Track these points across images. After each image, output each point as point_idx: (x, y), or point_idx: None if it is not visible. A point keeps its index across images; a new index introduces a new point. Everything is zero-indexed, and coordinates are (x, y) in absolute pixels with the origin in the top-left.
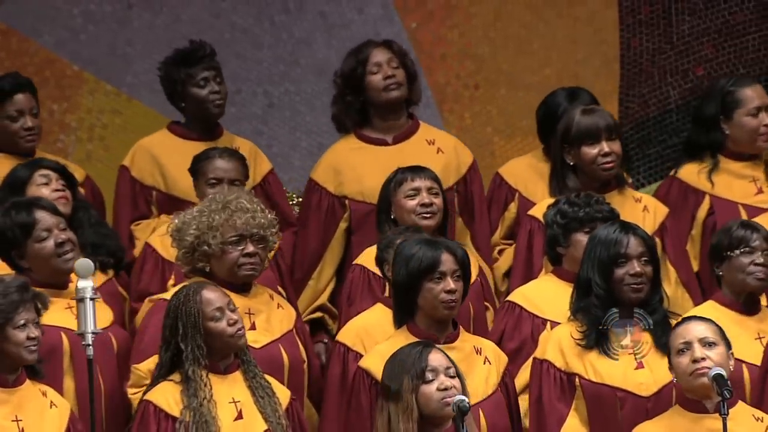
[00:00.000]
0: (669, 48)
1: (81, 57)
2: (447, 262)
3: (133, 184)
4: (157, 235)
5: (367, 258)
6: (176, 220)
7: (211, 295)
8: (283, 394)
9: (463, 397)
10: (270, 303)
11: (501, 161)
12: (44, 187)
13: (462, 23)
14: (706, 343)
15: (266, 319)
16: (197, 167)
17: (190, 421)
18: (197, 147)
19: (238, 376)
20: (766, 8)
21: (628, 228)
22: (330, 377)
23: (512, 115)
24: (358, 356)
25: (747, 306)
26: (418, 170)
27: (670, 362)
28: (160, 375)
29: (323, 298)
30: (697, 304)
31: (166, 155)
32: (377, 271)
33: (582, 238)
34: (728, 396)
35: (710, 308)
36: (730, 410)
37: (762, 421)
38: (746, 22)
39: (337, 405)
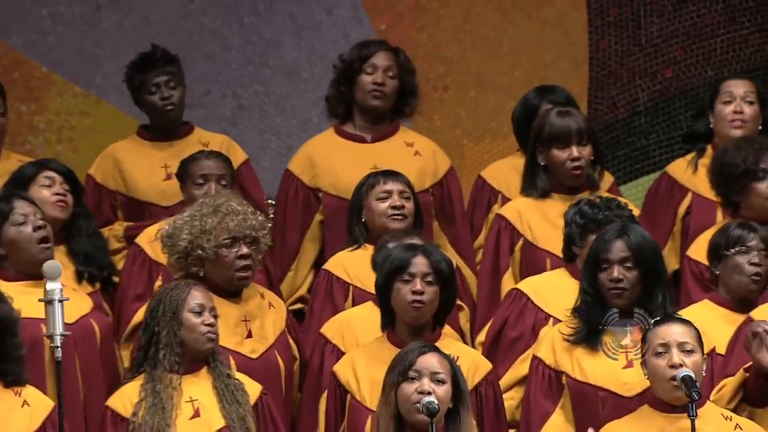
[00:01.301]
0: (638, 50)
1: (49, 58)
2: (418, 264)
3: (98, 190)
4: (145, 238)
5: (334, 263)
6: (166, 226)
7: (199, 293)
8: (253, 389)
9: (433, 399)
10: (262, 304)
11: (470, 163)
12: (46, 188)
13: (431, 25)
14: (685, 350)
15: (260, 325)
16: (184, 170)
17: (143, 423)
18: (162, 148)
19: (204, 375)
20: (735, 10)
21: (621, 231)
22: (310, 367)
23: (481, 117)
24: (335, 349)
25: (741, 305)
26: (390, 174)
27: (643, 359)
28: (132, 368)
29: (302, 290)
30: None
31: (129, 159)
32: (343, 275)
33: None
34: (696, 398)
35: (704, 307)
36: (699, 410)
37: (731, 420)
38: (714, 24)
39: (313, 395)
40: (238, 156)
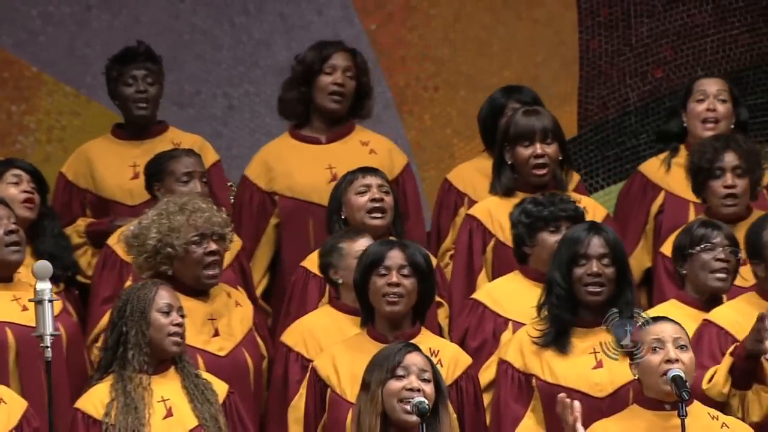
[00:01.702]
0: (628, 50)
1: (40, 58)
2: (394, 257)
3: (69, 188)
4: (116, 237)
5: (312, 260)
6: (132, 227)
7: (167, 293)
8: (220, 388)
9: (423, 399)
10: (228, 303)
11: (461, 162)
12: (14, 186)
13: (421, 25)
14: (680, 345)
15: (227, 323)
16: (161, 168)
17: (116, 423)
18: (134, 147)
19: (172, 374)
20: (724, 10)
21: (594, 228)
22: (274, 378)
23: (472, 116)
24: (300, 357)
25: (709, 305)
26: (368, 169)
27: (632, 359)
28: (100, 369)
29: (257, 294)
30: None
31: (99, 158)
32: (320, 273)
33: (547, 237)
34: (686, 397)
35: (672, 306)
36: (687, 409)
37: (717, 419)
38: (704, 24)
39: (279, 406)
40: (210, 157)
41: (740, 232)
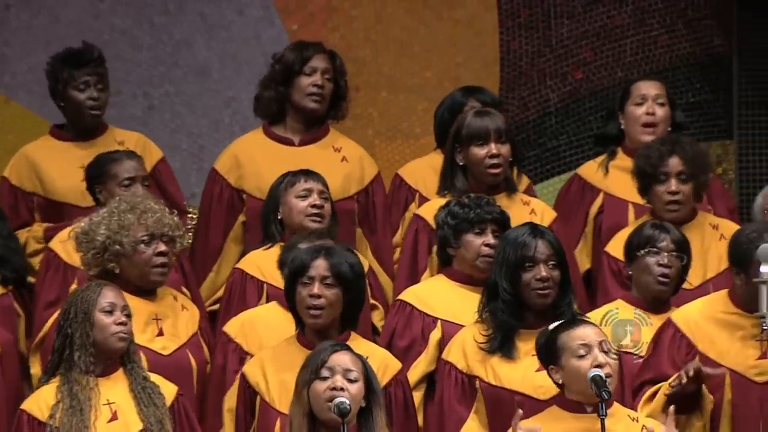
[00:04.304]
0: (548, 51)
1: None
2: (318, 267)
3: (14, 192)
4: (58, 240)
5: (248, 262)
6: (82, 224)
7: (111, 293)
8: (169, 390)
9: (344, 399)
10: (175, 305)
11: (381, 164)
12: None
13: (343, 26)
14: (604, 350)
15: (172, 324)
16: (102, 171)
17: (61, 426)
18: (77, 148)
19: (120, 377)
20: (644, 12)
21: (537, 231)
22: (214, 368)
23: (393, 117)
24: (238, 348)
25: (655, 306)
26: (310, 173)
27: (554, 363)
28: (47, 371)
29: (222, 291)
30: (581, 306)
31: (44, 160)
32: (257, 274)
33: (472, 239)
34: (606, 397)
35: (618, 306)
36: (607, 410)
37: (637, 421)
38: (624, 25)
39: (217, 396)
40: (154, 154)
41: (689, 233)
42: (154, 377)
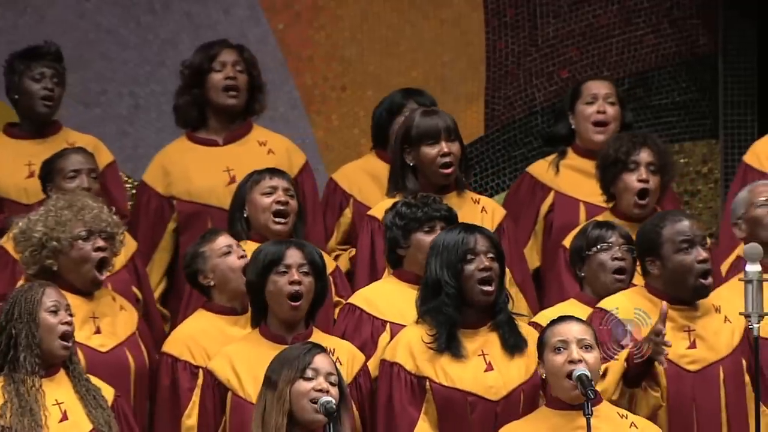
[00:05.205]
0: (534, 50)
1: None
2: (293, 255)
3: None
4: (7, 237)
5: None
6: (20, 223)
7: (54, 292)
8: (107, 392)
9: (330, 399)
10: (113, 305)
11: None
12: None
13: (329, 25)
14: (584, 346)
15: (111, 323)
16: (51, 167)
17: (12, 425)
18: (30, 146)
19: (63, 378)
20: (630, 11)
21: (472, 227)
22: (160, 389)
23: None
24: (188, 365)
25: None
26: (275, 171)
27: (540, 357)
28: None
29: (153, 296)
30: (531, 305)
31: None
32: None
33: (422, 238)
34: (592, 396)
35: (571, 306)
36: (594, 409)
37: (626, 418)
38: (610, 25)
39: (169, 417)
40: (104, 157)
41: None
42: (94, 380)
